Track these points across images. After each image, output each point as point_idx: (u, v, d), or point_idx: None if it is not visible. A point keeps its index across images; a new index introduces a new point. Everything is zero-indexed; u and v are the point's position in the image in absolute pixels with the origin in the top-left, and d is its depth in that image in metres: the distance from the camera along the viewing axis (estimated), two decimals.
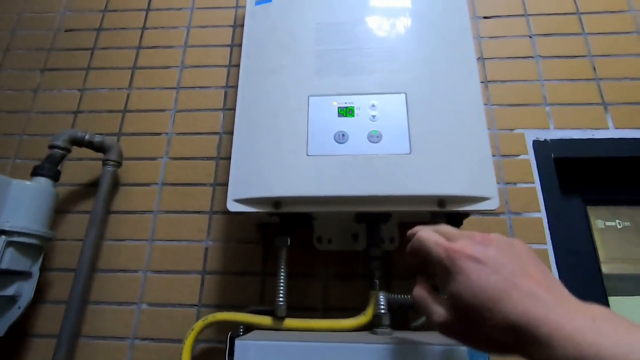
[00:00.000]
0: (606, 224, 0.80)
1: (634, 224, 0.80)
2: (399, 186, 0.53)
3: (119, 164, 0.80)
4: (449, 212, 0.55)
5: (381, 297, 0.59)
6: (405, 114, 0.57)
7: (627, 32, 0.85)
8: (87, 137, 0.77)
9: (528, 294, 0.28)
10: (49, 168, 0.71)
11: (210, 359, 0.68)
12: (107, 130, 0.86)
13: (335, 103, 0.59)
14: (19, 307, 0.66)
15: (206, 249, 0.75)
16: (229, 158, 0.59)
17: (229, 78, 0.89)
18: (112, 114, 0.88)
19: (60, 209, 0.80)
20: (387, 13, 0.65)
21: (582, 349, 0.24)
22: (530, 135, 0.79)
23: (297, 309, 0.67)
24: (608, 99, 0.80)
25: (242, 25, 0.72)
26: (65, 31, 0.99)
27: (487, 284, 0.29)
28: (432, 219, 0.69)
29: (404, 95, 0.59)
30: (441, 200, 0.54)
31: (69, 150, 0.75)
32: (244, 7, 0.84)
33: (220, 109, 0.86)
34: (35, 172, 0.71)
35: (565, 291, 0.29)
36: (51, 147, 0.73)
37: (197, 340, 0.62)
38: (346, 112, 0.58)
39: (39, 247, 0.68)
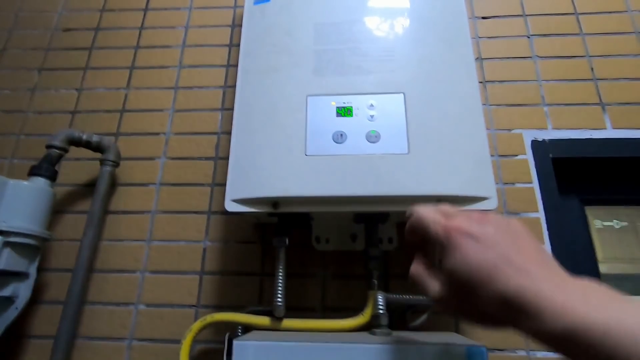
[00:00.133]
0: (604, 224, 0.80)
1: (631, 224, 0.80)
2: (398, 186, 0.53)
3: (116, 164, 0.80)
4: None
5: (379, 297, 0.59)
6: (403, 114, 0.57)
7: (625, 33, 0.85)
8: (84, 137, 0.76)
9: (521, 270, 0.28)
10: (47, 168, 0.71)
11: (209, 359, 0.68)
12: (105, 130, 0.86)
13: (333, 103, 0.59)
14: (16, 308, 0.65)
15: (204, 249, 0.75)
16: (227, 158, 0.59)
17: (227, 78, 0.89)
18: (110, 114, 0.88)
19: (58, 209, 0.79)
20: (385, 13, 0.65)
21: (572, 320, 0.25)
22: (529, 136, 0.79)
23: (295, 309, 0.67)
24: (606, 99, 0.80)
25: (241, 25, 0.72)
26: (63, 30, 0.98)
27: (481, 259, 0.30)
28: None
29: (402, 95, 0.59)
30: (439, 200, 0.54)
31: (66, 150, 0.75)
32: (242, 7, 0.84)
33: (219, 109, 0.86)
34: (33, 172, 0.70)
35: (558, 268, 0.29)
36: (48, 147, 0.73)
37: (195, 341, 0.61)
38: (344, 112, 0.58)
39: (36, 248, 0.68)
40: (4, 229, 0.62)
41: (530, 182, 0.75)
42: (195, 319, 0.70)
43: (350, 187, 0.54)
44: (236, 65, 0.66)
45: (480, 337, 0.65)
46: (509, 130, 0.80)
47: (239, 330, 0.64)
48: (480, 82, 0.83)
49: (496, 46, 0.87)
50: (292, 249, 0.66)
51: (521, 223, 0.33)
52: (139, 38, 0.95)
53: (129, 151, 0.84)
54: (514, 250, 0.30)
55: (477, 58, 0.85)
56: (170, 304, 0.72)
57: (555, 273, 0.29)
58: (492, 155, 0.77)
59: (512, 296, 0.27)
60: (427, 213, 0.36)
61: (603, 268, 0.75)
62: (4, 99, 0.92)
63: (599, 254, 0.76)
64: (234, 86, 0.64)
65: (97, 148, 0.78)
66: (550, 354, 0.64)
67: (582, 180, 0.79)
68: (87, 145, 0.77)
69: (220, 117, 0.85)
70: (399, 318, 0.64)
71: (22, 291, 0.66)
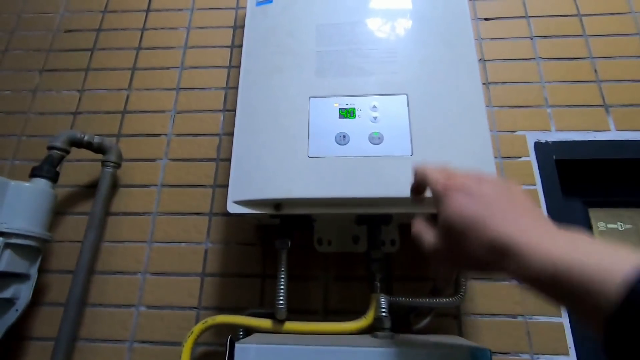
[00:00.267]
0: (608, 226, 0.79)
1: (635, 227, 0.79)
2: (401, 188, 0.52)
3: (118, 165, 0.79)
4: None
5: (382, 300, 0.58)
6: (406, 116, 0.57)
7: (628, 34, 0.85)
8: (86, 138, 0.76)
9: (510, 220, 0.30)
10: (48, 169, 0.71)
11: None
12: (107, 131, 0.86)
13: (336, 104, 0.59)
14: (17, 310, 0.65)
15: (206, 250, 0.75)
16: (229, 159, 0.59)
17: (229, 79, 0.89)
18: (112, 115, 0.88)
19: (59, 211, 0.79)
20: (388, 14, 0.65)
21: (553, 260, 0.26)
22: (532, 137, 0.78)
23: (297, 312, 0.67)
24: (609, 100, 0.80)
25: (243, 26, 0.72)
26: (65, 32, 0.98)
27: (473, 209, 0.32)
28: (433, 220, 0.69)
29: (405, 96, 0.59)
30: None
31: (67, 152, 0.75)
32: (245, 8, 0.84)
33: (221, 110, 0.86)
34: (34, 174, 0.70)
35: (549, 222, 0.31)
36: (50, 148, 0.73)
37: (196, 344, 0.61)
38: (347, 113, 0.58)
39: (37, 249, 0.68)
40: (4, 230, 0.62)
41: (534, 184, 0.75)
42: (197, 321, 0.70)
43: (353, 189, 0.53)
44: (238, 67, 0.66)
45: (484, 340, 0.65)
46: (512, 131, 0.79)
47: (241, 333, 0.63)
48: (483, 84, 0.83)
49: (499, 47, 0.86)
50: (294, 250, 0.65)
51: (520, 187, 0.34)
52: (140, 39, 0.95)
53: (130, 152, 0.83)
54: (507, 206, 0.32)
55: (480, 59, 0.85)
56: (172, 306, 0.72)
57: (544, 224, 0.30)
58: (495, 157, 0.76)
59: (500, 241, 0.29)
60: (431, 172, 0.38)
61: None
62: (5, 100, 0.92)
63: None
64: (236, 87, 0.64)
65: (99, 149, 0.78)
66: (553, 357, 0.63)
67: (586, 182, 0.79)
68: (89, 146, 0.77)
69: (222, 119, 0.85)
70: (401, 321, 0.64)
71: (22, 293, 0.66)
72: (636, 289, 0.23)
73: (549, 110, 0.80)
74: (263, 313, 0.64)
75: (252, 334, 0.61)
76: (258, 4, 0.70)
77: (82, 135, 0.76)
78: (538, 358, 0.64)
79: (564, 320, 0.65)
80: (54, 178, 0.72)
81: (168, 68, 0.91)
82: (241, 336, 0.63)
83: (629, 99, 0.80)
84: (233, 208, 0.56)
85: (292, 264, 0.63)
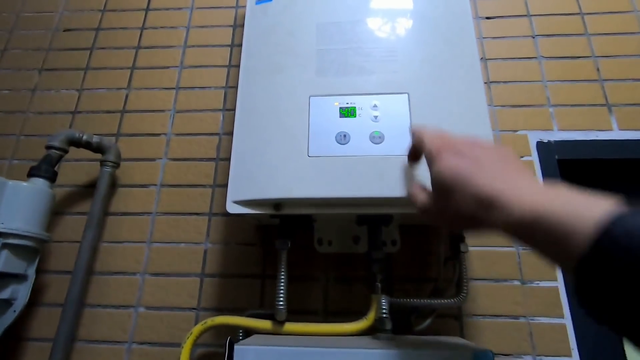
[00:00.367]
0: None
1: None
2: (402, 188, 0.52)
3: (117, 165, 0.79)
4: None
5: (383, 300, 0.58)
6: (408, 115, 0.56)
7: (631, 33, 0.84)
8: (84, 137, 0.76)
9: (497, 176, 0.32)
10: (46, 169, 0.70)
11: None
12: (106, 130, 0.86)
13: (336, 103, 0.58)
14: (14, 311, 0.64)
15: (205, 251, 0.74)
16: (229, 159, 0.58)
17: (229, 78, 0.88)
18: (111, 115, 0.88)
19: (57, 211, 0.79)
20: (389, 13, 0.65)
21: (535, 209, 0.28)
22: (534, 137, 0.78)
23: (297, 313, 0.66)
24: (612, 100, 0.79)
25: (242, 25, 0.71)
26: (64, 31, 0.98)
27: (462, 167, 0.34)
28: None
29: (406, 95, 0.58)
30: None
31: (66, 151, 0.74)
32: (244, 7, 0.83)
33: (220, 110, 0.85)
34: (32, 173, 0.69)
35: (537, 181, 0.33)
36: (48, 147, 0.72)
37: (195, 345, 0.60)
38: (348, 112, 0.58)
39: (34, 249, 0.67)
40: (2, 230, 0.61)
41: None
42: (196, 322, 0.69)
43: (353, 188, 0.53)
44: (238, 66, 0.65)
45: (486, 341, 0.64)
46: (514, 131, 0.79)
47: (240, 334, 0.63)
48: (485, 83, 0.82)
49: (500, 46, 0.86)
50: (294, 251, 0.65)
51: (511, 150, 0.36)
52: (140, 38, 0.95)
53: (129, 152, 0.83)
54: (495, 164, 0.33)
55: (481, 58, 0.85)
56: (171, 307, 0.71)
57: (529, 180, 0.32)
58: None
59: (486, 195, 0.31)
60: (427, 134, 0.41)
61: None
62: (4, 100, 0.92)
63: None
64: (236, 87, 0.63)
65: (98, 149, 0.77)
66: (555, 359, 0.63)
67: (589, 182, 0.78)
68: (87, 145, 0.76)
69: (221, 118, 0.85)
70: (402, 322, 0.63)
71: (20, 293, 0.65)
72: (606, 232, 0.24)
73: (551, 109, 0.80)
74: (263, 314, 0.63)
75: (251, 335, 0.60)
76: (258, 2, 0.70)
77: (81, 135, 0.75)
78: (540, 359, 0.63)
79: (567, 321, 0.65)
80: (52, 178, 0.71)
81: (167, 67, 0.91)
82: (241, 337, 0.63)
83: (631, 98, 0.79)
84: (232, 208, 0.56)
85: (292, 264, 0.62)
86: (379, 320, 0.57)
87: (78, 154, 0.81)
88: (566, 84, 0.81)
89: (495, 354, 0.63)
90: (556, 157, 0.75)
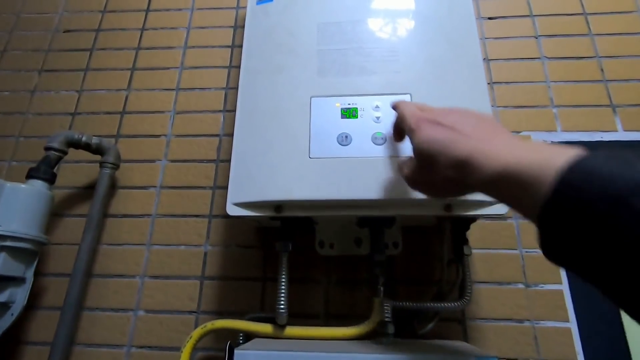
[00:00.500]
0: None
1: None
2: (405, 190, 0.51)
3: (116, 167, 0.78)
4: (455, 216, 0.53)
5: (385, 304, 0.57)
6: None
7: (635, 33, 0.84)
8: (83, 138, 0.75)
9: (475, 138, 0.33)
10: (45, 170, 0.70)
11: None
12: (106, 132, 0.85)
13: (338, 104, 0.58)
14: (12, 314, 0.64)
15: (205, 253, 0.74)
16: (229, 160, 0.57)
17: (230, 79, 0.87)
18: (111, 116, 0.87)
19: (56, 213, 0.78)
20: (391, 13, 0.64)
21: (505, 163, 0.29)
22: (537, 138, 0.77)
23: (298, 316, 0.65)
24: (616, 100, 0.78)
25: (243, 26, 0.71)
26: (64, 32, 0.98)
27: (440, 135, 0.35)
28: (439, 223, 0.67)
29: (409, 96, 0.57)
30: (448, 205, 0.52)
31: (65, 153, 0.73)
32: (245, 7, 0.83)
33: (221, 111, 0.85)
34: (30, 175, 0.69)
35: (512, 137, 0.33)
36: (47, 149, 0.72)
37: (195, 349, 0.60)
38: (349, 113, 0.57)
39: (33, 252, 0.66)
40: (0, 232, 0.61)
41: None
42: (196, 325, 0.69)
43: (355, 190, 0.52)
44: (238, 67, 0.64)
45: (490, 345, 0.64)
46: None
47: (241, 338, 0.62)
48: (487, 84, 0.81)
49: (503, 47, 0.85)
50: (295, 253, 0.64)
51: (492, 116, 0.38)
52: (140, 39, 0.94)
53: (129, 153, 0.82)
54: (472, 128, 0.34)
55: (484, 59, 0.84)
56: (170, 310, 0.70)
57: (505, 138, 0.32)
58: None
59: (463, 157, 0.32)
60: (406, 109, 0.43)
61: None
62: (3, 101, 0.91)
63: None
64: (236, 88, 0.62)
65: (97, 150, 0.77)
66: None
67: None
68: (87, 147, 0.76)
69: (222, 119, 0.84)
70: (405, 326, 0.63)
71: (18, 296, 0.64)
72: (563, 177, 0.24)
73: (554, 110, 0.79)
74: (263, 317, 0.63)
75: (252, 339, 0.60)
76: (259, 2, 0.69)
77: (80, 136, 0.75)
78: None
79: (572, 325, 0.64)
80: (51, 179, 0.70)
81: (168, 68, 0.90)
82: (241, 341, 0.62)
83: (636, 98, 0.78)
84: (232, 210, 0.55)
85: (293, 267, 0.62)
86: (381, 324, 0.56)
87: (77, 156, 0.81)
88: (570, 84, 0.81)
89: (500, 358, 0.62)
90: None
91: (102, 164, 0.77)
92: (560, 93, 0.80)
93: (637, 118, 0.77)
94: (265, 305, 0.69)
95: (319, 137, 0.55)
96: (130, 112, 0.87)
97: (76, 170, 0.82)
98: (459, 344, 0.56)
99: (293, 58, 0.62)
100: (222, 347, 0.59)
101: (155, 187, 0.80)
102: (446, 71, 0.59)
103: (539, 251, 0.69)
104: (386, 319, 0.56)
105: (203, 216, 0.76)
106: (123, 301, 0.72)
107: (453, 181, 0.35)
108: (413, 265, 0.69)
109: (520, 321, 0.65)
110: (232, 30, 0.92)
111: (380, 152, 0.54)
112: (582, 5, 0.87)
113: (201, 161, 0.81)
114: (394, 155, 0.53)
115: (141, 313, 0.71)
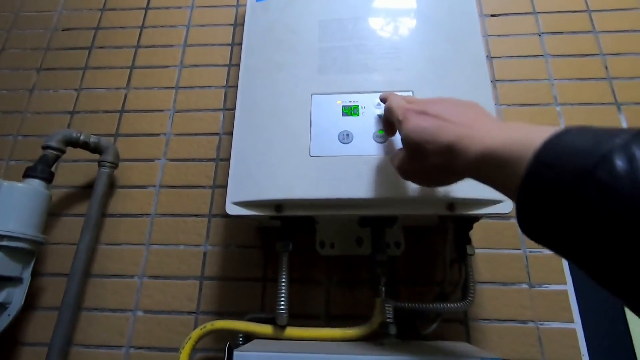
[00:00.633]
0: None
1: None
2: (407, 189, 0.50)
3: (115, 166, 0.78)
4: (458, 215, 0.53)
5: (387, 304, 0.56)
6: None
7: (639, 30, 0.83)
8: (82, 137, 0.74)
9: (462, 125, 0.33)
10: (42, 169, 0.69)
11: None
12: (104, 130, 0.84)
13: (339, 102, 0.57)
14: (9, 315, 0.63)
15: (205, 253, 0.73)
16: (229, 159, 0.57)
17: (229, 77, 0.87)
18: (109, 114, 0.86)
19: (54, 212, 0.77)
20: (392, 10, 0.63)
21: (489, 145, 0.29)
22: None
23: (298, 317, 0.64)
24: (621, 98, 0.77)
25: (243, 24, 0.70)
26: (63, 30, 0.97)
27: (428, 124, 0.36)
28: (441, 222, 0.66)
29: (410, 93, 0.56)
30: (451, 204, 0.52)
31: (63, 151, 0.73)
32: (245, 5, 0.82)
33: (220, 109, 0.84)
34: (27, 174, 0.68)
35: (498, 121, 0.33)
36: (45, 147, 0.71)
37: (194, 350, 0.59)
38: (351, 111, 0.56)
39: (30, 252, 0.66)
40: None
41: None
42: (195, 326, 0.68)
43: (356, 189, 0.51)
44: (238, 65, 0.64)
45: (493, 347, 0.63)
46: None
47: (240, 339, 0.61)
48: (490, 82, 0.80)
49: (506, 44, 0.84)
50: (296, 253, 0.63)
51: (477, 103, 0.38)
52: (139, 37, 0.94)
53: (128, 152, 0.81)
54: (458, 116, 0.35)
55: (487, 56, 0.83)
56: (169, 311, 0.70)
57: (489, 122, 0.33)
58: None
59: (451, 142, 0.33)
60: (394, 102, 0.44)
61: None
62: (1, 100, 0.90)
63: None
64: (236, 86, 0.62)
65: (95, 149, 0.76)
66: None
67: None
68: (85, 146, 0.75)
69: (222, 118, 0.83)
70: (407, 327, 0.62)
71: (15, 297, 0.64)
72: (537, 155, 0.24)
73: (558, 108, 0.78)
74: (263, 318, 0.62)
75: (252, 339, 0.59)
76: None
77: (78, 135, 0.74)
78: None
79: (577, 326, 0.63)
80: (48, 178, 0.70)
81: (167, 66, 0.90)
82: (241, 342, 0.61)
83: None
84: (232, 209, 0.54)
85: (294, 267, 0.61)
86: (382, 325, 0.56)
87: (75, 155, 0.80)
88: (573, 82, 0.80)
89: (503, 359, 0.62)
90: None
91: (100, 163, 0.76)
92: (564, 91, 0.79)
93: None
94: (265, 305, 0.68)
95: (319, 135, 0.55)
96: (129, 111, 0.86)
97: (74, 169, 0.82)
98: (462, 345, 0.55)
99: (293, 55, 0.61)
100: (222, 348, 0.58)
101: (154, 186, 0.79)
102: (448, 69, 0.58)
103: (543, 251, 0.68)
104: (388, 320, 0.55)
105: (202, 216, 0.76)
106: (121, 301, 0.71)
107: (442, 168, 0.35)
108: (415, 265, 0.68)
109: (524, 322, 0.64)
110: (232, 28, 0.92)
111: (382, 150, 0.53)
112: (586, 2, 0.86)
113: (201, 160, 0.80)
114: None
115: (140, 313, 0.70)
